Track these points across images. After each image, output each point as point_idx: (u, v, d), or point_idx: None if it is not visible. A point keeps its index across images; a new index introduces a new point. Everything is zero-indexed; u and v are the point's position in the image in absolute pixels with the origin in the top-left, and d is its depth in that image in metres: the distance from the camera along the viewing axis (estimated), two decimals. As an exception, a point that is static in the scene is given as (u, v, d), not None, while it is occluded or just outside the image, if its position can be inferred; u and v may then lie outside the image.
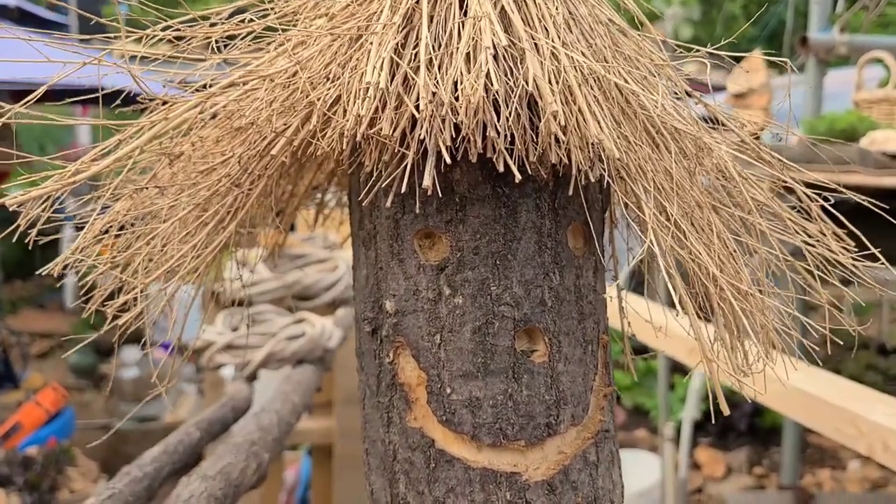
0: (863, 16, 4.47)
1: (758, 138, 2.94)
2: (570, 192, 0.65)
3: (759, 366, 0.70)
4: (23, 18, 5.23)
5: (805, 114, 3.73)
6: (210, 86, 0.65)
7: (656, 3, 8.91)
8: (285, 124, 0.61)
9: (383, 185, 0.63)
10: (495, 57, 0.57)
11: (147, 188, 0.65)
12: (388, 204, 0.65)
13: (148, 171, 0.68)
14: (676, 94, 0.73)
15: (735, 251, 0.68)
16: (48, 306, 7.09)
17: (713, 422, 4.11)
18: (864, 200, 0.75)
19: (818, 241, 0.74)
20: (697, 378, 3.35)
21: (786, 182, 0.75)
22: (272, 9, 0.68)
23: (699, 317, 0.67)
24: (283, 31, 0.71)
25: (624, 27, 0.71)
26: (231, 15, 0.71)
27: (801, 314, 0.73)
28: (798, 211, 0.78)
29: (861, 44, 3.64)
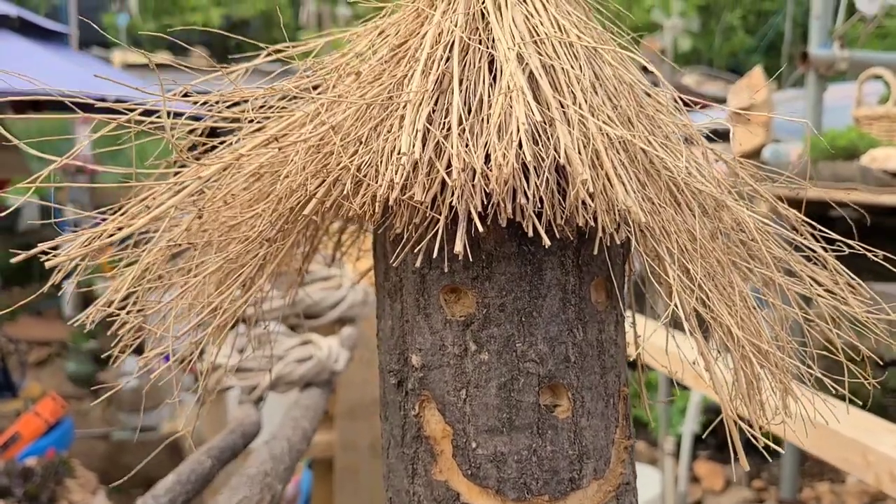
0: (861, 27, 4.50)
1: (758, 153, 2.93)
2: (595, 252, 0.66)
3: (778, 419, 0.71)
4: (23, 28, 5.24)
5: (805, 130, 3.74)
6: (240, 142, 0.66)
7: (656, 15, 8.94)
8: (318, 186, 0.63)
9: (412, 244, 0.64)
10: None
11: (180, 245, 0.66)
12: (418, 264, 0.66)
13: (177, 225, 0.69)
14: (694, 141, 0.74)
15: (755, 308, 0.70)
16: (46, 314, 7.08)
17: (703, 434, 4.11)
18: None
19: (833, 293, 0.75)
20: (697, 392, 3.36)
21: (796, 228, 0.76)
22: (304, 72, 0.69)
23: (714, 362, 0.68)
24: (314, 87, 0.72)
25: (646, 85, 0.72)
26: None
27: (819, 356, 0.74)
28: (813, 262, 0.79)
29: (861, 60, 3.67)
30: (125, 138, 0.68)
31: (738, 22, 10.94)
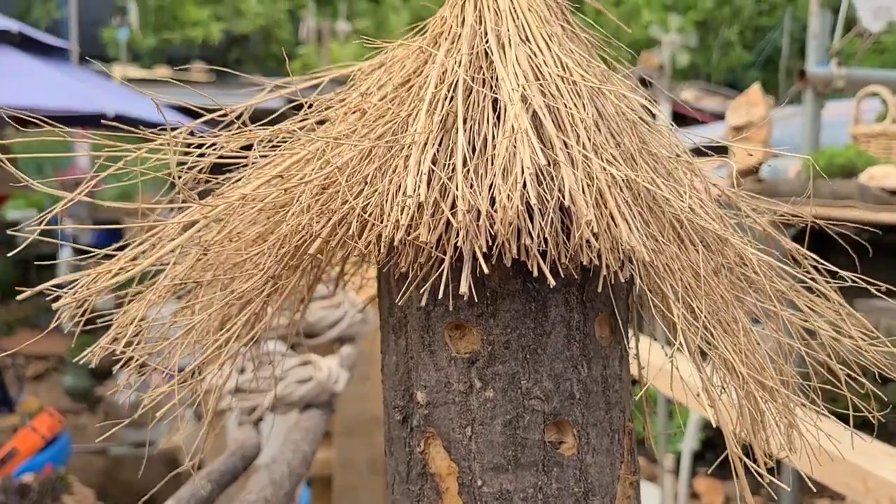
0: (858, 43, 4.52)
1: (757, 170, 2.93)
2: (599, 289, 0.66)
3: (782, 454, 0.71)
4: (24, 43, 5.26)
5: (803, 147, 3.76)
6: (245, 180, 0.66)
7: (654, 31, 8.99)
8: (323, 226, 0.63)
9: (417, 283, 0.65)
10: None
11: (185, 283, 0.66)
12: (423, 303, 0.66)
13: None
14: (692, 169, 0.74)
15: (758, 343, 0.70)
16: (44, 327, 7.06)
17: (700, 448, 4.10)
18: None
19: (835, 325, 0.76)
20: (697, 410, 3.35)
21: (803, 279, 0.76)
22: (308, 111, 0.70)
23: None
24: (320, 122, 0.72)
25: (649, 122, 0.73)
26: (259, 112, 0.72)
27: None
28: (815, 292, 0.80)
29: (859, 77, 3.69)
30: (130, 163, 0.68)
31: (735, 37, 11.00)
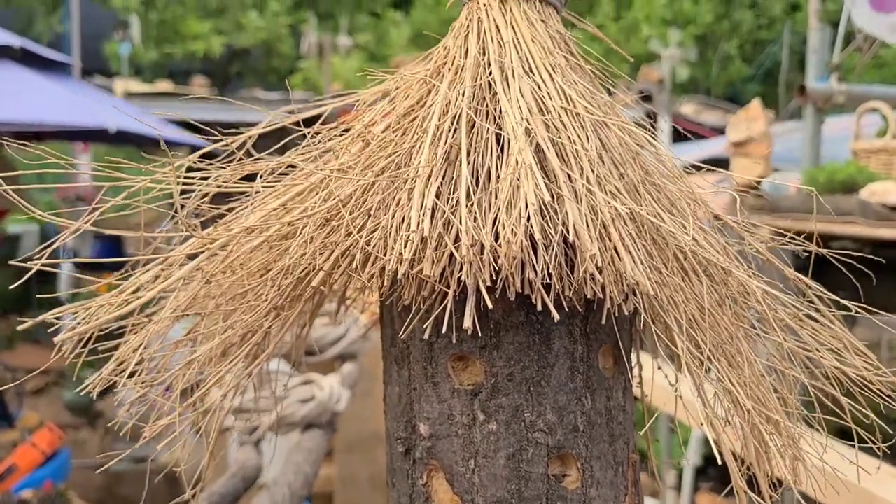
0: (857, 57, 4.55)
1: (758, 187, 2.93)
2: (603, 321, 0.66)
3: (787, 485, 0.70)
4: (26, 58, 5.28)
5: (804, 163, 3.77)
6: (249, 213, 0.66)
7: (653, 45, 9.02)
8: (326, 259, 0.63)
9: (420, 316, 0.64)
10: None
11: (188, 314, 0.66)
12: (427, 336, 0.66)
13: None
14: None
15: (763, 375, 0.69)
16: (44, 342, 7.05)
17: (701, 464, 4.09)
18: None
19: (840, 356, 0.75)
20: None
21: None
22: (312, 139, 0.70)
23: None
24: (324, 151, 0.72)
25: (651, 150, 0.73)
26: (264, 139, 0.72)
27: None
28: (819, 321, 0.79)
29: (859, 93, 3.69)
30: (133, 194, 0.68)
31: (735, 51, 11.04)
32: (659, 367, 0.79)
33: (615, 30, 10.35)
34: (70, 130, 5.54)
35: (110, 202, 0.65)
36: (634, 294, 0.64)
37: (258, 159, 0.70)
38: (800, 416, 0.73)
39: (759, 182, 3.73)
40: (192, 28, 10.03)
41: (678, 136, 8.36)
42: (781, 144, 4.81)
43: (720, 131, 7.56)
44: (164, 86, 8.82)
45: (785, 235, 0.79)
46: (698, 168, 0.80)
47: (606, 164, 0.67)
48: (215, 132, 0.73)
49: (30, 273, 0.62)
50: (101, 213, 0.66)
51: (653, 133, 0.71)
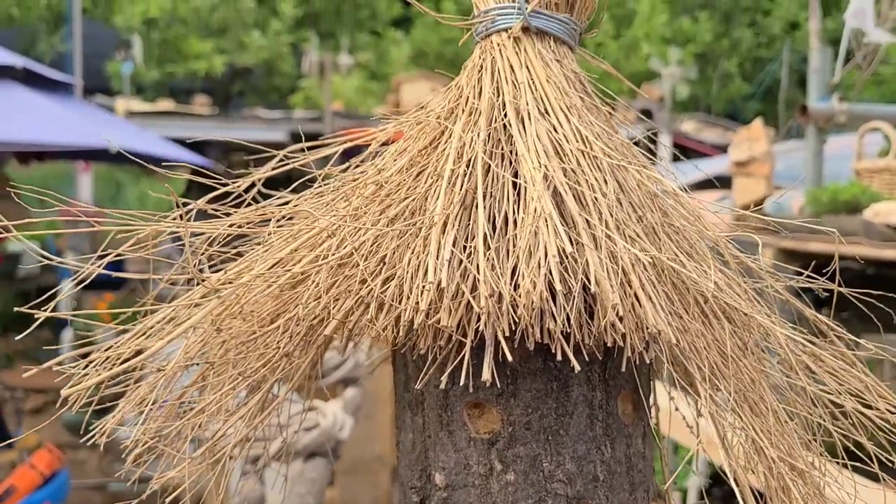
0: (857, 74, 4.55)
1: (760, 205, 2.94)
2: (623, 368, 0.64)
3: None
4: (28, 78, 5.29)
5: (806, 182, 3.76)
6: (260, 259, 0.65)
7: (654, 63, 9.05)
8: (339, 307, 0.61)
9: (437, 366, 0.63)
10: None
11: (198, 363, 0.65)
12: (443, 386, 0.64)
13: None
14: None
15: (786, 422, 0.68)
16: (44, 361, 7.01)
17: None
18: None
19: (862, 399, 0.74)
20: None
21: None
22: (322, 182, 0.69)
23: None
24: (336, 188, 0.71)
25: (670, 192, 0.72)
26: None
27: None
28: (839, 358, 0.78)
29: (860, 112, 3.70)
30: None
31: (735, 69, 11.07)
32: (677, 409, 0.78)
33: (615, 48, 10.38)
34: (72, 150, 5.54)
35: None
36: (656, 341, 0.62)
37: (268, 202, 0.69)
38: (824, 462, 0.71)
39: (761, 202, 3.72)
40: (194, 47, 10.06)
41: (679, 154, 8.34)
42: (783, 163, 4.81)
43: (721, 149, 7.57)
44: (166, 104, 8.83)
45: (799, 267, 0.78)
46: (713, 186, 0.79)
47: (625, 207, 0.66)
48: (224, 165, 0.72)
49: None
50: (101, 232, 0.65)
51: (672, 174, 0.70)
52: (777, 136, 7.90)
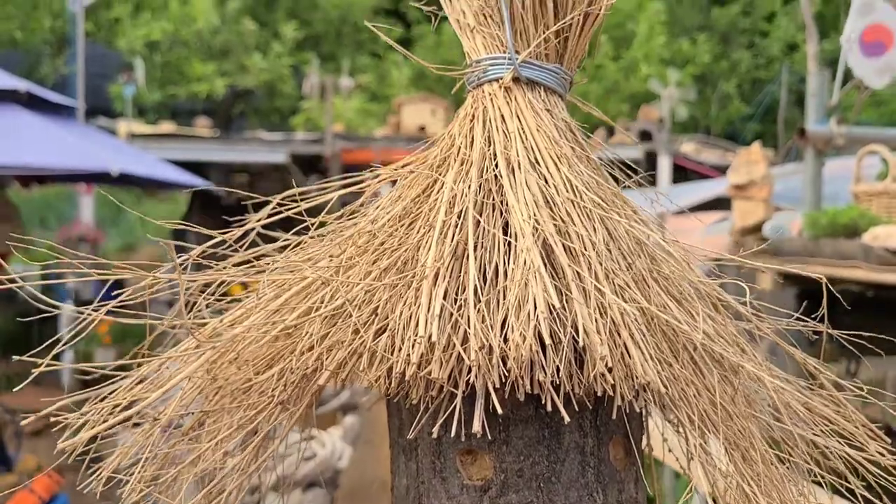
0: (855, 95, 4.58)
1: (759, 229, 2.94)
2: (613, 416, 0.65)
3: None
4: (31, 101, 5.33)
5: (805, 205, 3.77)
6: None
7: (653, 85, 9.10)
8: (331, 357, 0.62)
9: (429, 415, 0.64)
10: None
11: (192, 413, 0.65)
12: (435, 435, 0.65)
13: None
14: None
15: (776, 466, 0.68)
16: (45, 383, 7.00)
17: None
18: None
19: (853, 440, 0.74)
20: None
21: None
22: (316, 232, 0.70)
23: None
24: (328, 237, 0.72)
25: (659, 239, 0.72)
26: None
27: None
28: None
29: (858, 135, 3.72)
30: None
31: (733, 90, 11.13)
32: (670, 451, 0.78)
33: (614, 69, 10.45)
34: (74, 174, 5.57)
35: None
36: (645, 390, 0.63)
37: (263, 248, 0.70)
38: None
39: (760, 225, 3.73)
40: (196, 70, 10.13)
41: (679, 175, 8.40)
42: (782, 184, 4.83)
43: (720, 170, 7.60)
44: (168, 127, 8.89)
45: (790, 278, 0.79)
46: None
47: (614, 255, 0.66)
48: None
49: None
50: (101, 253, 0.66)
51: (660, 224, 0.71)
52: (776, 156, 7.93)
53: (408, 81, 10.64)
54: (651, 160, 8.31)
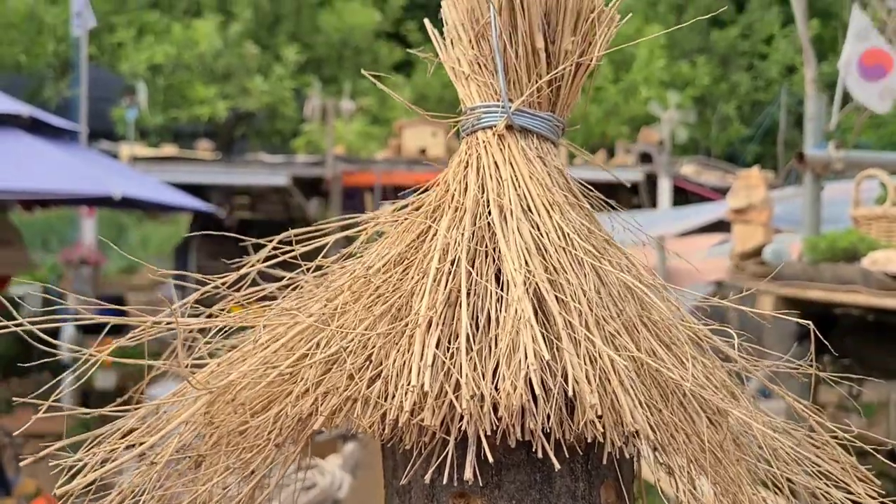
0: (855, 117, 4.61)
1: (759, 253, 2.95)
2: (604, 461, 0.66)
3: None
4: (34, 126, 5.37)
5: (805, 229, 3.79)
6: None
7: (653, 107, 9.16)
8: (326, 403, 0.63)
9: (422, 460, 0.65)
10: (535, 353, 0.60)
11: (189, 456, 0.66)
12: (428, 479, 0.66)
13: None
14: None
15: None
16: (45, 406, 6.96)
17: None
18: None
19: (846, 486, 0.75)
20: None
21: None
22: (312, 276, 0.71)
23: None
24: (322, 281, 0.73)
25: (650, 285, 0.74)
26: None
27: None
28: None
29: (857, 159, 3.73)
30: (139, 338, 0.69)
31: (733, 112, 11.20)
32: (662, 493, 0.79)
33: (614, 92, 10.51)
34: (76, 198, 5.61)
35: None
36: (635, 436, 0.64)
37: (260, 294, 0.71)
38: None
39: (760, 249, 3.75)
40: (199, 93, 10.21)
41: (680, 197, 8.45)
42: (782, 207, 4.85)
43: (721, 191, 7.64)
44: (170, 150, 8.94)
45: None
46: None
47: (605, 301, 0.68)
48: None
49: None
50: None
51: (652, 274, 0.72)
52: (777, 177, 7.96)
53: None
54: (652, 182, 8.36)
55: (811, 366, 0.81)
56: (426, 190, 0.78)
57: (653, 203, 8.24)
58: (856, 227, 3.38)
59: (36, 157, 5.18)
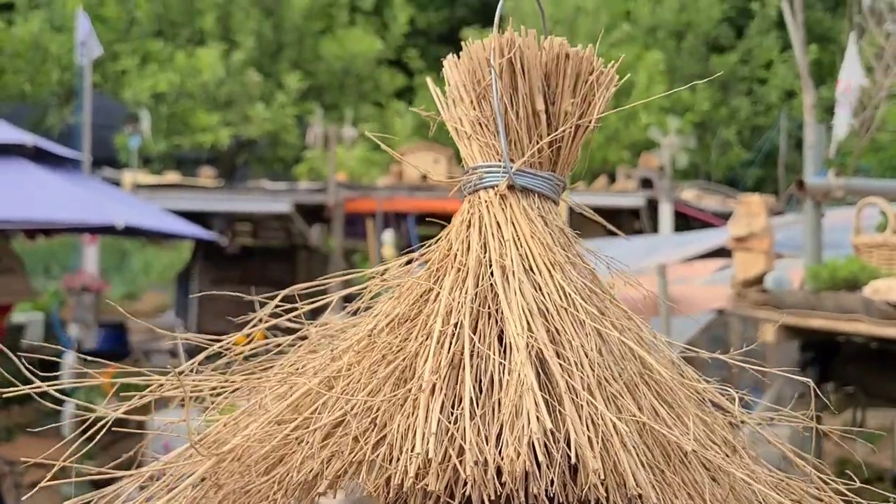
0: (856, 141, 4.63)
1: (760, 281, 2.94)
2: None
3: None
4: (38, 155, 5.41)
5: (806, 258, 3.79)
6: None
7: (653, 133, 9.21)
8: (331, 467, 0.64)
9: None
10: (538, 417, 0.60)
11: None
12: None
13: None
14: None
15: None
16: (45, 433, 6.95)
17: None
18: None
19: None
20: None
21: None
22: (316, 337, 0.72)
23: None
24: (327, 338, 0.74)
25: (648, 345, 0.74)
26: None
27: None
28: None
29: (856, 187, 3.75)
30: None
31: (733, 137, 11.25)
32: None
33: (614, 117, 10.57)
34: (80, 227, 5.64)
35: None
36: (638, 497, 0.64)
37: (264, 356, 0.72)
38: None
39: (761, 277, 3.75)
40: (201, 120, 10.27)
41: (681, 222, 8.46)
42: (783, 233, 4.86)
43: (722, 216, 7.66)
44: (172, 177, 8.99)
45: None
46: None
47: (606, 361, 0.68)
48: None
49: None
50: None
51: (650, 328, 0.73)
52: (778, 201, 7.98)
53: (410, 130, 10.76)
54: (653, 207, 8.38)
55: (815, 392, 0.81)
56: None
57: (654, 228, 8.27)
58: (857, 254, 3.38)
59: (39, 186, 5.21)
